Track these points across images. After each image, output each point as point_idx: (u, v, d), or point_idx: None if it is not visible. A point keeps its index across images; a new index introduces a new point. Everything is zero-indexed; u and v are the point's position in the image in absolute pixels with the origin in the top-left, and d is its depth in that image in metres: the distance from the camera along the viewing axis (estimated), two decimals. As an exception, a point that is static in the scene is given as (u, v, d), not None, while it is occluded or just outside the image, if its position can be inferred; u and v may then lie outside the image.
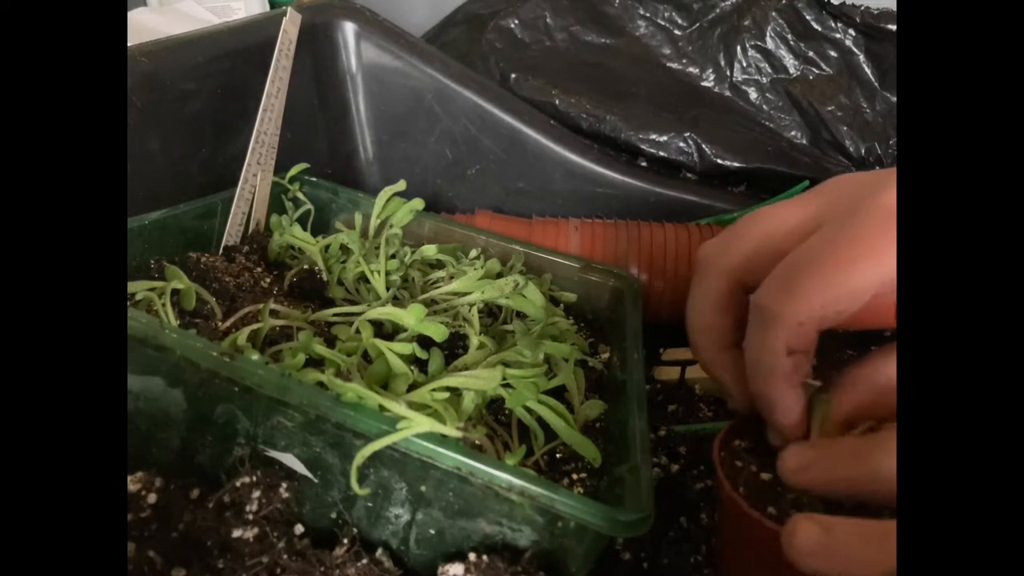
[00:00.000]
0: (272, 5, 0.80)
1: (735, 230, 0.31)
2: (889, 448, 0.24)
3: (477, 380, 0.33)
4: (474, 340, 0.38)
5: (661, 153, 0.66)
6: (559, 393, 0.37)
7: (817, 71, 0.72)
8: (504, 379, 0.34)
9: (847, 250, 0.26)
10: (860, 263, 0.26)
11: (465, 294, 0.43)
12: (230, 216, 0.45)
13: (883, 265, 0.25)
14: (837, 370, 0.30)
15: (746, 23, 0.73)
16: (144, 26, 0.69)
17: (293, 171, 0.50)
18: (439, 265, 0.47)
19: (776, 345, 0.27)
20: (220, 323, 0.35)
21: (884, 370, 0.28)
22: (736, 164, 0.65)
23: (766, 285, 0.28)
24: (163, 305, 0.34)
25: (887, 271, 0.25)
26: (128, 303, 0.34)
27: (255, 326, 0.35)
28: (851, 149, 0.69)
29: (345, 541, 0.30)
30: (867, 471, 0.24)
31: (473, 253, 0.49)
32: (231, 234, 0.45)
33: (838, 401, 0.28)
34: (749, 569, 0.30)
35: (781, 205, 0.30)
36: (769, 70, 0.73)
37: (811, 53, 0.72)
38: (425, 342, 0.36)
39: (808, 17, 0.72)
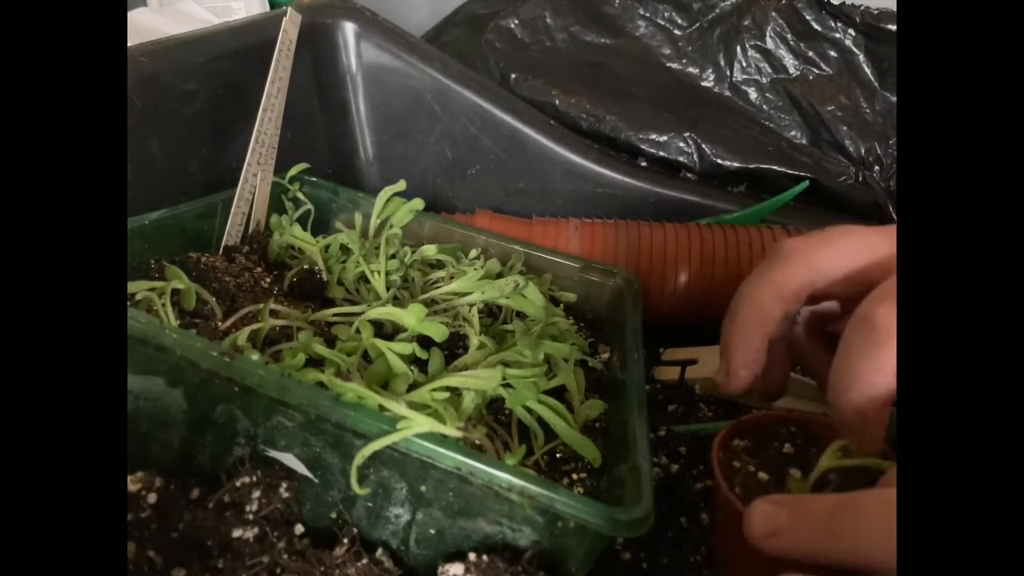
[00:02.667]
0: (272, 5, 0.80)
1: (823, 236, 0.31)
2: (867, 516, 0.22)
3: (477, 380, 0.33)
4: (474, 340, 0.38)
5: (661, 153, 0.66)
6: (559, 393, 0.37)
7: (817, 71, 0.72)
8: (504, 379, 0.34)
9: None
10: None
11: (465, 294, 0.43)
12: (230, 216, 0.45)
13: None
14: None
15: (746, 23, 0.73)
16: (144, 26, 0.69)
17: (293, 171, 0.50)
18: (439, 265, 0.47)
19: (885, 363, 0.26)
20: (220, 323, 0.35)
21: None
22: (736, 164, 0.65)
23: (876, 300, 0.27)
24: (163, 305, 0.34)
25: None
26: (128, 303, 0.34)
27: (255, 326, 0.35)
28: (851, 149, 0.69)
29: (345, 541, 0.30)
30: (847, 546, 0.22)
31: (473, 253, 0.49)
32: (231, 234, 0.45)
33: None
34: (745, 569, 0.30)
35: (871, 230, 0.30)
36: (769, 70, 0.73)
37: (811, 53, 0.72)
38: (425, 342, 0.36)
39: (808, 17, 0.72)
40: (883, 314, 0.26)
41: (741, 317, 0.31)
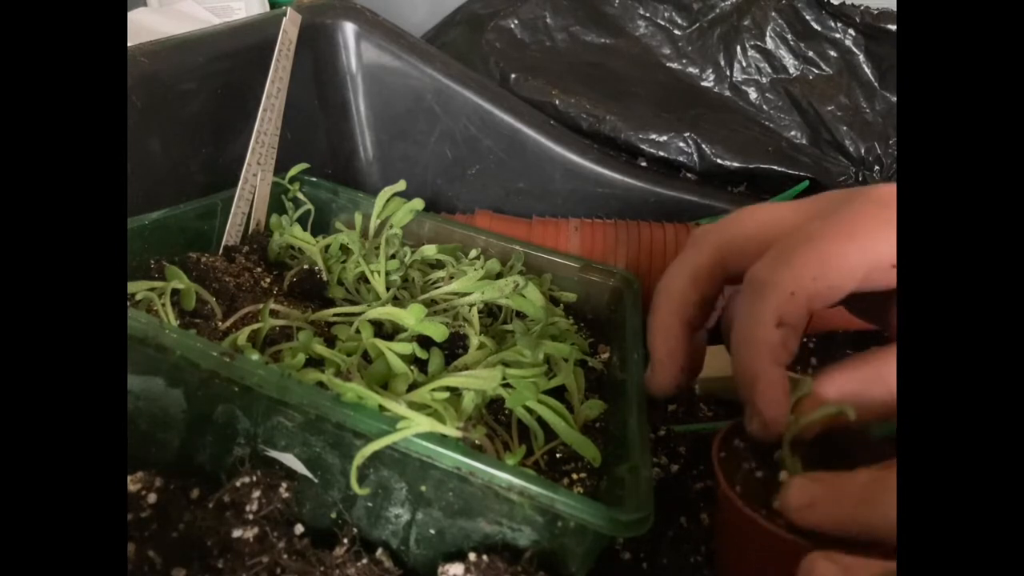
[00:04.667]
0: (272, 5, 0.80)
1: (731, 216, 0.31)
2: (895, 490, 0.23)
3: (477, 380, 0.33)
4: (474, 340, 0.38)
5: (661, 153, 0.66)
6: (559, 393, 0.37)
7: (817, 71, 0.72)
8: (504, 379, 0.34)
9: (840, 228, 0.27)
10: (853, 240, 0.26)
11: (465, 294, 0.43)
12: (230, 216, 0.45)
13: (875, 246, 0.26)
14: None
15: (746, 23, 0.73)
16: (144, 26, 0.69)
17: (293, 171, 0.50)
18: (439, 265, 0.47)
19: (766, 314, 0.27)
20: (220, 323, 0.35)
21: (873, 363, 0.27)
22: (736, 164, 0.65)
23: (762, 260, 0.28)
24: (163, 305, 0.34)
25: (878, 253, 0.26)
26: (128, 303, 0.34)
27: (255, 326, 0.35)
28: (851, 149, 0.69)
29: (345, 541, 0.30)
30: (879, 516, 0.23)
31: (473, 253, 0.49)
32: (231, 234, 0.45)
33: (820, 383, 0.27)
34: (746, 568, 0.30)
35: (778, 203, 0.31)
36: (769, 70, 0.73)
37: (811, 53, 0.72)
38: (425, 342, 0.36)
39: (808, 17, 0.72)
40: (761, 270, 0.27)
41: (658, 308, 0.31)
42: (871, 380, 0.27)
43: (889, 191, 0.27)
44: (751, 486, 0.29)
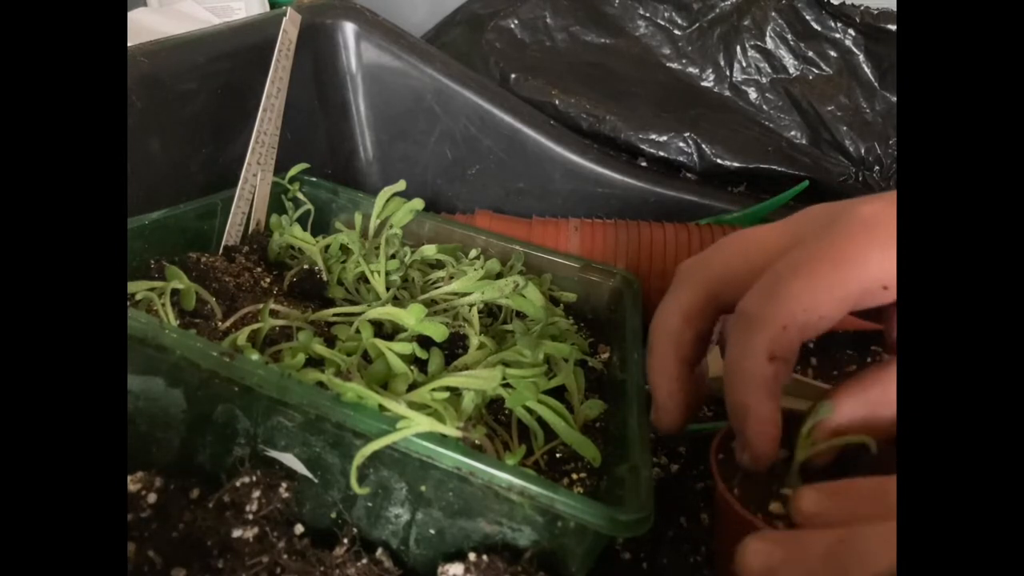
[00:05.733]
0: (272, 5, 0.80)
1: (714, 247, 0.31)
2: (869, 554, 0.21)
3: (477, 380, 0.33)
4: (474, 340, 0.38)
5: (661, 153, 0.66)
6: (559, 393, 0.37)
7: (817, 71, 0.72)
8: (504, 379, 0.34)
9: (827, 255, 0.26)
10: (841, 268, 0.26)
11: (465, 294, 0.43)
12: (230, 216, 0.45)
13: (864, 270, 0.26)
14: (838, 370, 0.29)
15: (746, 23, 0.73)
16: (144, 26, 0.69)
17: (293, 171, 0.50)
18: (439, 265, 0.47)
19: (757, 349, 0.27)
20: (220, 323, 0.35)
21: (880, 384, 0.27)
22: (736, 164, 0.65)
23: (751, 293, 0.28)
24: (163, 305, 0.34)
25: (868, 277, 0.26)
26: (128, 303, 0.34)
27: (255, 326, 0.35)
28: (851, 149, 0.69)
29: (345, 541, 0.30)
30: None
31: (473, 253, 0.49)
32: (231, 234, 0.45)
33: (835, 410, 0.27)
34: None
35: (760, 227, 0.30)
36: (769, 70, 0.73)
37: (811, 53, 0.72)
38: (425, 342, 0.36)
39: (808, 17, 0.72)
40: (750, 303, 0.27)
41: (654, 350, 0.31)
42: (879, 403, 0.27)
43: (873, 209, 0.27)
44: (749, 488, 0.29)
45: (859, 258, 0.26)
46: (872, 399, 0.27)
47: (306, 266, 0.45)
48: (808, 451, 0.28)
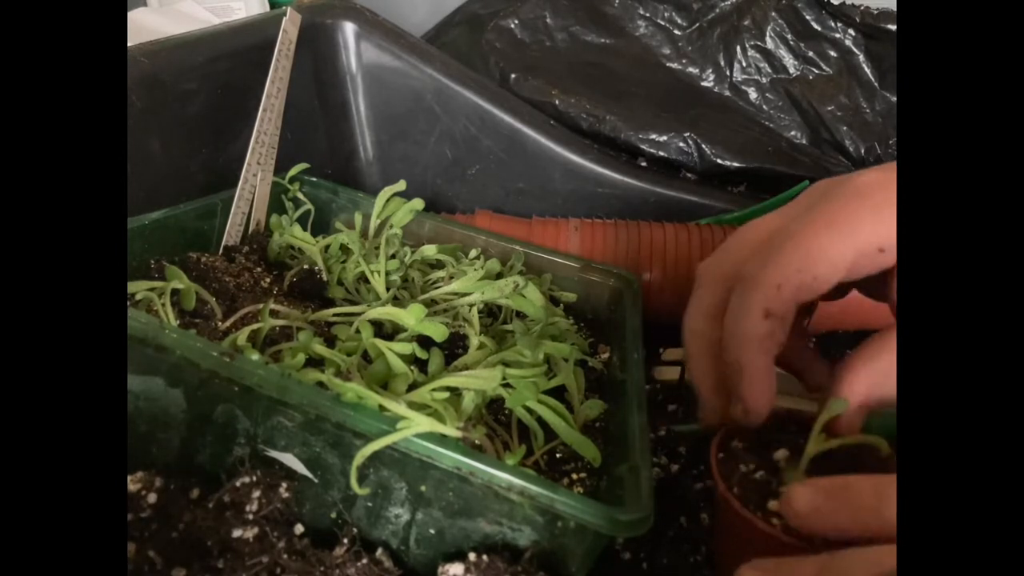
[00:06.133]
0: (272, 5, 0.80)
1: (725, 244, 0.32)
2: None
3: (477, 380, 0.33)
4: (474, 340, 0.38)
5: (661, 153, 0.66)
6: (559, 393, 0.37)
7: (817, 71, 0.72)
8: (504, 379, 0.34)
9: (821, 219, 0.27)
10: (833, 229, 0.27)
11: (465, 294, 0.43)
12: (230, 216, 0.45)
13: (857, 233, 0.27)
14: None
15: (746, 23, 0.73)
16: (144, 26, 0.69)
17: (293, 171, 0.50)
18: (439, 265, 0.47)
19: (753, 307, 0.28)
20: (220, 323, 0.35)
21: (886, 353, 0.27)
22: (736, 164, 0.65)
23: (750, 260, 0.29)
24: (163, 305, 0.34)
25: (862, 239, 0.26)
26: (128, 303, 0.34)
27: (255, 326, 0.35)
28: (851, 149, 0.69)
29: (345, 541, 0.30)
30: (881, 521, 0.23)
31: (473, 253, 0.49)
32: (231, 234, 0.45)
33: (841, 389, 0.27)
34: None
35: (763, 216, 0.31)
36: (769, 70, 0.73)
37: (811, 53, 0.72)
38: (425, 342, 0.36)
39: (808, 17, 0.72)
40: (748, 267, 0.28)
41: (690, 353, 0.32)
42: (887, 373, 0.27)
43: (868, 179, 0.27)
44: (749, 487, 0.29)
45: (852, 220, 0.27)
46: (883, 369, 0.27)
47: (306, 266, 0.45)
48: (820, 446, 0.28)
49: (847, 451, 0.29)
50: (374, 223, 0.49)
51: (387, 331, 0.39)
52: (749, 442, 0.31)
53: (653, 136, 0.66)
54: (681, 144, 0.66)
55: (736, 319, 0.28)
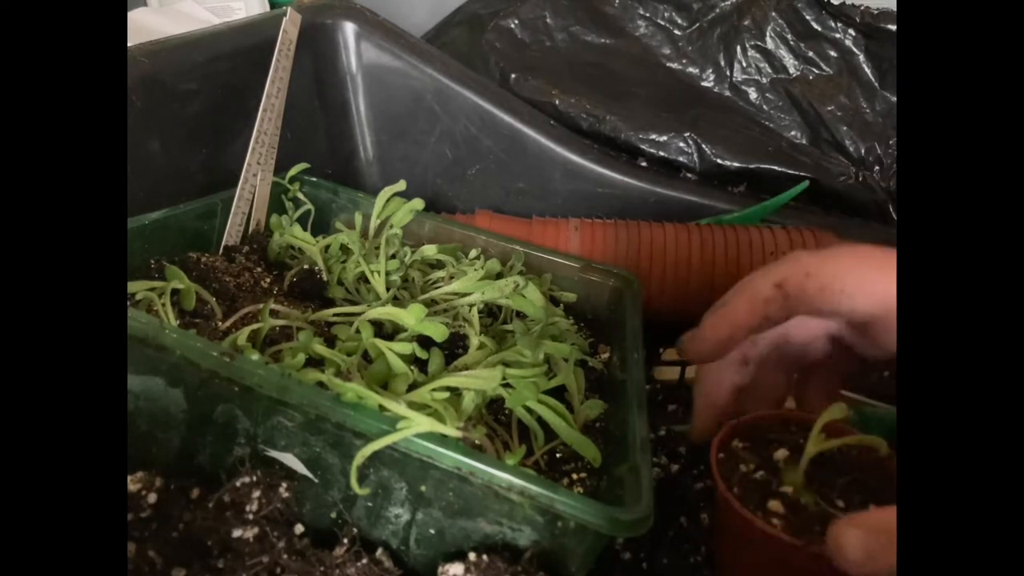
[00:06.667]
0: (272, 5, 0.80)
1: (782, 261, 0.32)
2: None
3: (477, 380, 0.33)
4: (474, 340, 0.38)
5: (661, 153, 0.66)
6: (559, 393, 0.37)
7: (817, 71, 0.72)
8: (504, 379, 0.34)
9: (875, 257, 0.29)
10: (876, 267, 0.28)
11: (465, 294, 0.43)
12: (230, 216, 0.45)
13: (880, 280, 0.28)
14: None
15: (746, 23, 0.73)
16: (144, 26, 0.69)
17: (293, 171, 0.50)
18: (439, 265, 0.47)
19: (772, 273, 0.29)
20: (220, 323, 0.35)
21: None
22: (736, 164, 0.65)
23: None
24: (163, 305, 0.34)
25: (881, 288, 0.28)
26: (128, 303, 0.34)
27: (255, 326, 0.35)
28: (851, 149, 0.69)
29: (345, 541, 0.30)
30: None
31: (473, 253, 0.49)
32: (231, 234, 0.45)
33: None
34: (744, 568, 0.30)
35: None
36: (769, 70, 0.73)
37: (811, 53, 0.72)
38: (425, 342, 0.36)
39: (808, 17, 0.72)
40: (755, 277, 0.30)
41: (706, 335, 0.32)
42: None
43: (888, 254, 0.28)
44: (749, 487, 0.29)
45: (881, 269, 0.28)
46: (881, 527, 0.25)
47: (306, 266, 0.45)
48: (819, 447, 0.28)
49: (846, 452, 0.29)
50: (374, 223, 0.49)
51: (387, 331, 0.39)
52: (750, 442, 0.31)
53: (653, 136, 0.66)
54: (681, 144, 0.66)
55: (749, 278, 0.29)
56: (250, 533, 0.28)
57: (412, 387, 0.32)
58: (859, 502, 0.28)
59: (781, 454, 0.30)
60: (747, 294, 0.30)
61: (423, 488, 0.28)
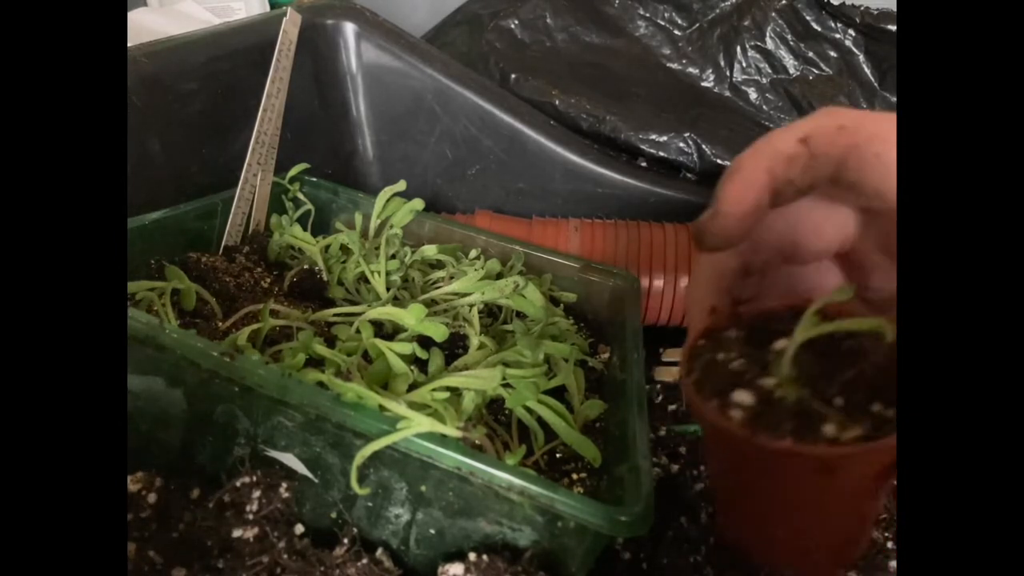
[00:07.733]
0: (272, 5, 0.80)
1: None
2: None
3: (477, 380, 0.33)
4: (474, 340, 0.38)
5: (661, 153, 0.66)
6: (559, 393, 0.37)
7: (817, 71, 0.72)
8: (504, 379, 0.34)
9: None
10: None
11: (465, 294, 0.43)
12: (230, 216, 0.45)
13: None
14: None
15: (746, 23, 0.73)
16: (144, 26, 0.69)
17: (293, 171, 0.50)
18: (439, 265, 0.47)
19: (797, 127, 0.24)
20: (220, 323, 0.35)
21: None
22: (736, 164, 0.65)
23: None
24: (163, 305, 0.34)
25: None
26: (128, 303, 0.34)
27: (255, 326, 0.35)
28: (851, 149, 0.69)
29: (345, 541, 0.30)
30: None
31: (473, 253, 0.49)
32: (231, 234, 0.45)
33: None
34: (713, 465, 0.27)
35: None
36: (769, 70, 0.73)
37: (811, 53, 0.72)
38: (425, 342, 0.36)
39: (808, 17, 0.72)
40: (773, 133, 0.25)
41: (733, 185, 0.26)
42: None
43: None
44: (715, 374, 0.24)
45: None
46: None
47: (306, 266, 0.45)
48: (810, 332, 0.23)
49: (846, 338, 0.25)
50: (374, 223, 0.49)
51: (387, 331, 0.39)
52: (750, 332, 0.26)
53: (653, 136, 0.66)
54: (681, 144, 0.66)
55: (769, 133, 0.25)
56: (250, 533, 0.28)
57: (412, 387, 0.32)
58: (862, 401, 0.22)
59: (781, 344, 0.25)
60: (766, 153, 0.24)
61: (423, 488, 0.28)
